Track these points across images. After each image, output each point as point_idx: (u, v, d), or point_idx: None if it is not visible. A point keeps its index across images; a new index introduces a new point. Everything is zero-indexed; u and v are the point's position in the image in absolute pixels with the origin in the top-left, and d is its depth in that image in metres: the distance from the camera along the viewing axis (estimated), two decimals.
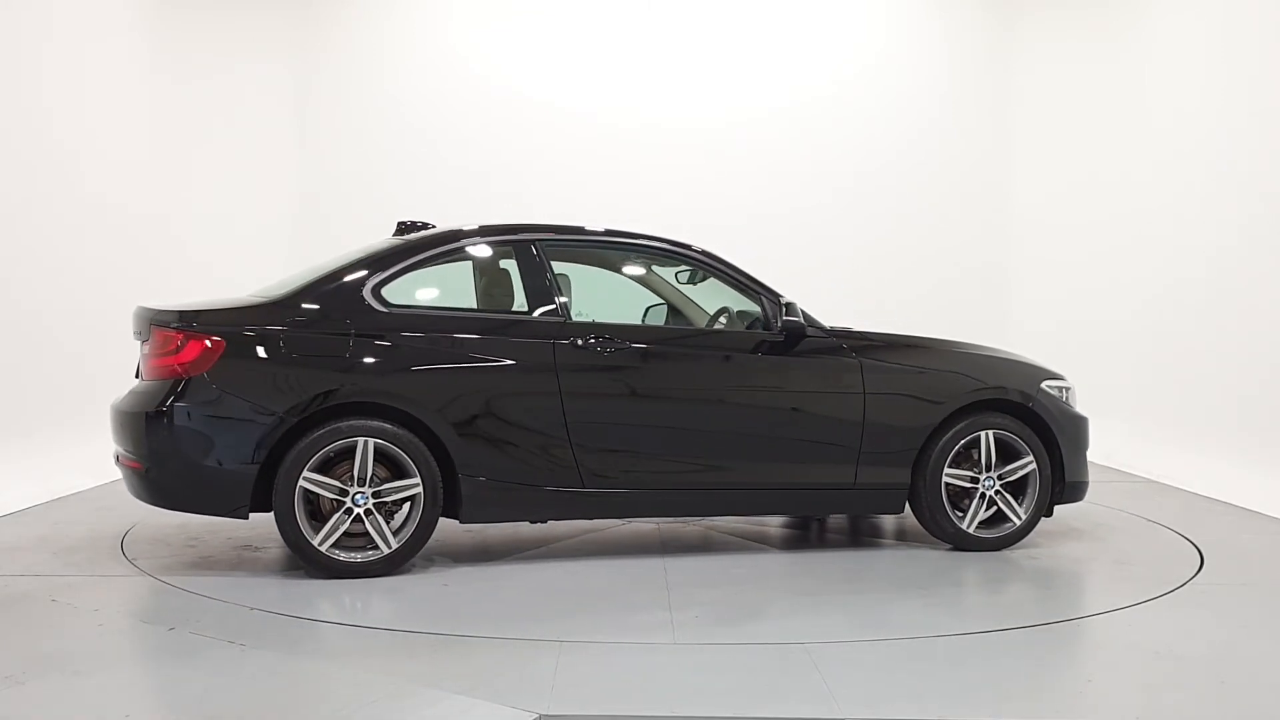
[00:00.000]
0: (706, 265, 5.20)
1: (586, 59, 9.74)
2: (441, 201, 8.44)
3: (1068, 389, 5.45)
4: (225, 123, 9.27)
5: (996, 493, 5.16)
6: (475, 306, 5.08)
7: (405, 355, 4.61)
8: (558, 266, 5.01)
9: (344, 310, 4.62)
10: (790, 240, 9.62)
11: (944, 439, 5.10)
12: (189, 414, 4.40)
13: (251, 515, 4.52)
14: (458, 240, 5.00)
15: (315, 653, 3.68)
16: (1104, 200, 9.15)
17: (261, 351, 4.49)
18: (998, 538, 5.18)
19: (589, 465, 4.75)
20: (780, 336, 5.03)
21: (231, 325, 4.52)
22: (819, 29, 9.87)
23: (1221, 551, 5.29)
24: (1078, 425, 5.36)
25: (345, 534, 4.50)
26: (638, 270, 5.58)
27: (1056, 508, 5.36)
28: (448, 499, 4.64)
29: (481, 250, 5.08)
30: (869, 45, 9.92)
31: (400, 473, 4.55)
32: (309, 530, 4.45)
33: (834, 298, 7.95)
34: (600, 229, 5.26)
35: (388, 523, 4.54)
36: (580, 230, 5.22)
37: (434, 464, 4.55)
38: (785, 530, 5.80)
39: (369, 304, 4.65)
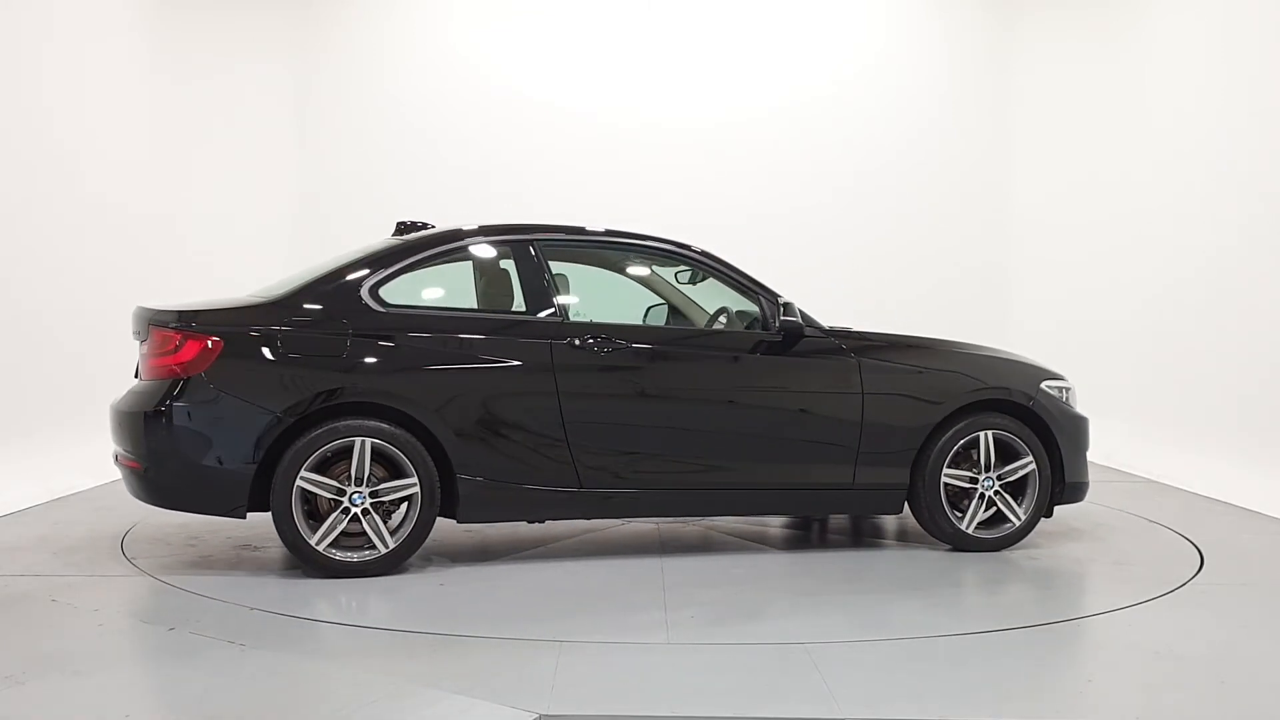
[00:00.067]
0: (705, 265, 5.19)
1: (586, 59, 9.74)
2: (441, 201, 8.44)
3: (1068, 389, 5.44)
4: (225, 123, 9.27)
5: (996, 493, 5.16)
6: (473, 307, 5.08)
7: (403, 355, 4.61)
8: (556, 266, 5.01)
9: (342, 310, 4.62)
10: (790, 240, 9.62)
11: (943, 439, 5.10)
12: (187, 414, 4.41)
13: (250, 515, 4.53)
14: (456, 240, 5.00)
15: (315, 653, 3.68)
16: (1104, 200, 9.15)
17: (259, 351, 4.49)
18: (997, 538, 5.18)
19: (586, 465, 4.75)
20: (778, 336, 5.03)
21: (229, 325, 4.53)
22: (819, 29, 9.87)
23: (1221, 551, 5.29)
24: (1078, 425, 5.36)
25: (343, 533, 4.51)
26: (637, 270, 5.58)
27: (1056, 508, 5.35)
28: (445, 499, 4.65)
29: (480, 250, 5.08)
30: (869, 45, 9.92)
31: (398, 472, 4.55)
32: (307, 530, 4.45)
33: (834, 298, 7.96)
34: (600, 229, 5.26)
35: (385, 522, 4.54)
36: (579, 230, 5.22)
37: (431, 464, 4.56)
38: (785, 530, 5.80)
39: (367, 304, 4.66)
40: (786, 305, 5.02)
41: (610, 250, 5.46)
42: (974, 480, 5.14)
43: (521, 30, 9.70)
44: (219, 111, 9.22)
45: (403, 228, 5.18)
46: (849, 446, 5.02)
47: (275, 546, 5.00)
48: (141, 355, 4.68)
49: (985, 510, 5.17)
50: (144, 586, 4.46)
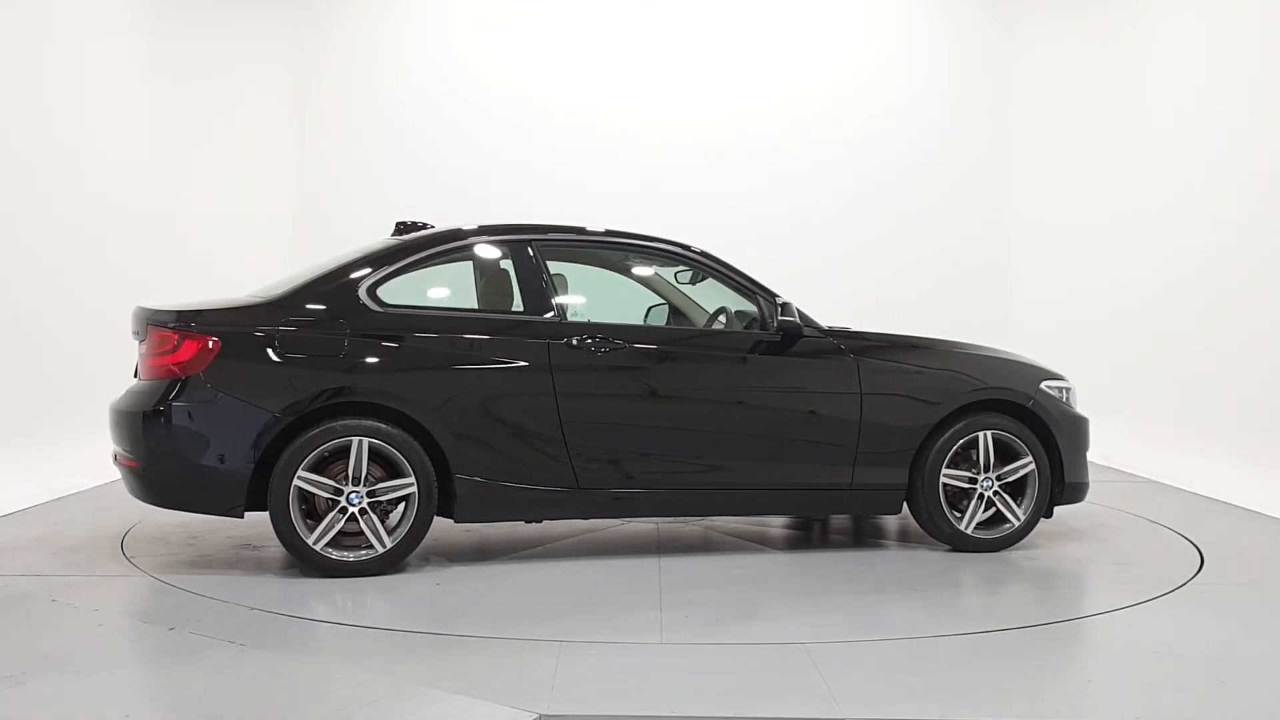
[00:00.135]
0: (703, 265, 5.19)
1: (586, 59, 9.74)
2: (441, 201, 8.44)
3: (1068, 389, 5.44)
4: (225, 123, 9.27)
5: (995, 493, 5.15)
6: (472, 307, 5.08)
7: (400, 355, 4.62)
8: (554, 267, 5.01)
9: (339, 310, 4.62)
10: (790, 240, 9.62)
11: (942, 439, 5.10)
12: (185, 413, 4.41)
13: (249, 514, 4.53)
14: (454, 240, 5.00)
15: (315, 653, 3.69)
16: (1104, 200, 9.15)
17: (257, 351, 4.49)
18: (996, 539, 5.17)
19: (583, 465, 4.75)
20: (777, 336, 5.03)
21: (227, 325, 4.53)
22: (819, 29, 9.87)
23: (1221, 551, 5.29)
24: (1077, 426, 5.35)
25: (341, 533, 4.51)
26: (637, 270, 5.58)
27: (1056, 509, 5.35)
28: (443, 498, 4.65)
29: (478, 250, 5.07)
30: (869, 45, 9.92)
31: (395, 472, 4.55)
32: (304, 529, 4.46)
33: (834, 298, 7.96)
34: (599, 229, 5.26)
35: (382, 522, 4.54)
36: (577, 230, 5.22)
37: (429, 463, 4.56)
38: (786, 531, 5.80)
39: (364, 304, 4.66)
40: (785, 305, 5.01)
41: (610, 250, 5.46)
42: (973, 480, 5.14)
43: (521, 30, 9.70)
44: (219, 111, 9.22)
45: (402, 228, 5.18)
46: (847, 447, 5.01)
47: (275, 546, 5.00)
48: (140, 355, 4.69)
49: (984, 511, 5.16)
50: (144, 586, 4.46)
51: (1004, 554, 5.17)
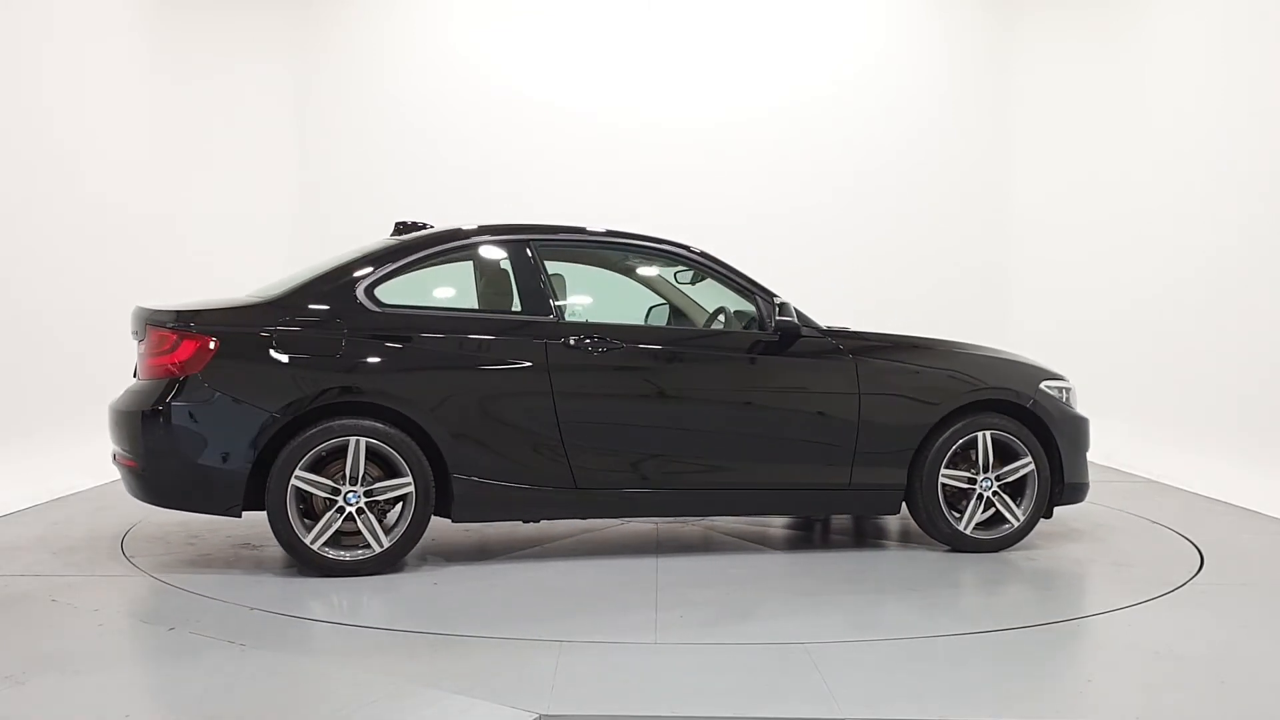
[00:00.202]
0: (702, 265, 5.19)
1: (586, 59, 9.74)
2: (441, 201, 8.45)
3: (1068, 389, 5.44)
4: (225, 123, 9.27)
5: (994, 494, 5.15)
6: (469, 307, 5.08)
7: (397, 355, 4.62)
8: (553, 267, 5.01)
9: (337, 310, 4.62)
10: (790, 240, 9.62)
11: (941, 439, 5.09)
12: (183, 413, 4.42)
13: (247, 514, 4.53)
14: (452, 241, 5.00)
15: (315, 652, 3.69)
16: (1104, 200, 9.15)
17: (255, 351, 4.50)
18: (995, 539, 5.17)
19: (581, 465, 4.75)
20: (774, 337, 5.02)
21: (226, 325, 4.54)
22: (819, 29, 9.87)
23: (1221, 551, 5.29)
24: (1077, 426, 5.34)
25: (339, 532, 4.52)
26: (636, 271, 5.58)
27: (1056, 509, 5.35)
28: (440, 498, 4.65)
29: (476, 251, 5.07)
30: (869, 45, 9.92)
31: (392, 472, 4.56)
32: (301, 529, 4.46)
33: (834, 298, 7.97)
34: (599, 229, 5.26)
35: (380, 522, 4.55)
36: (576, 230, 5.22)
37: (426, 463, 4.56)
38: (786, 531, 5.80)
39: (362, 304, 4.66)
40: (782, 305, 5.01)
41: (609, 250, 5.46)
42: (972, 481, 5.14)
43: (521, 30, 9.70)
44: (219, 111, 9.22)
45: (402, 228, 5.18)
46: (845, 447, 5.01)
47: (274, 545, 4.99)
48: (139, 355, 4.69)
49: (984, 511, 5.16)
50: (144, 586, 4.46)
51: (1003, 554, 5.17)
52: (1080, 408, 5.48)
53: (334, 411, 4.51)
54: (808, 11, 9.86)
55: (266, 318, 4.57)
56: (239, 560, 4.87)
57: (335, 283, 4.70)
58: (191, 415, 4.42)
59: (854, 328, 5.25)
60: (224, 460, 4.42)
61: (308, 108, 9.79)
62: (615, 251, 5.46)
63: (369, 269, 4.76)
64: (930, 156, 9.91)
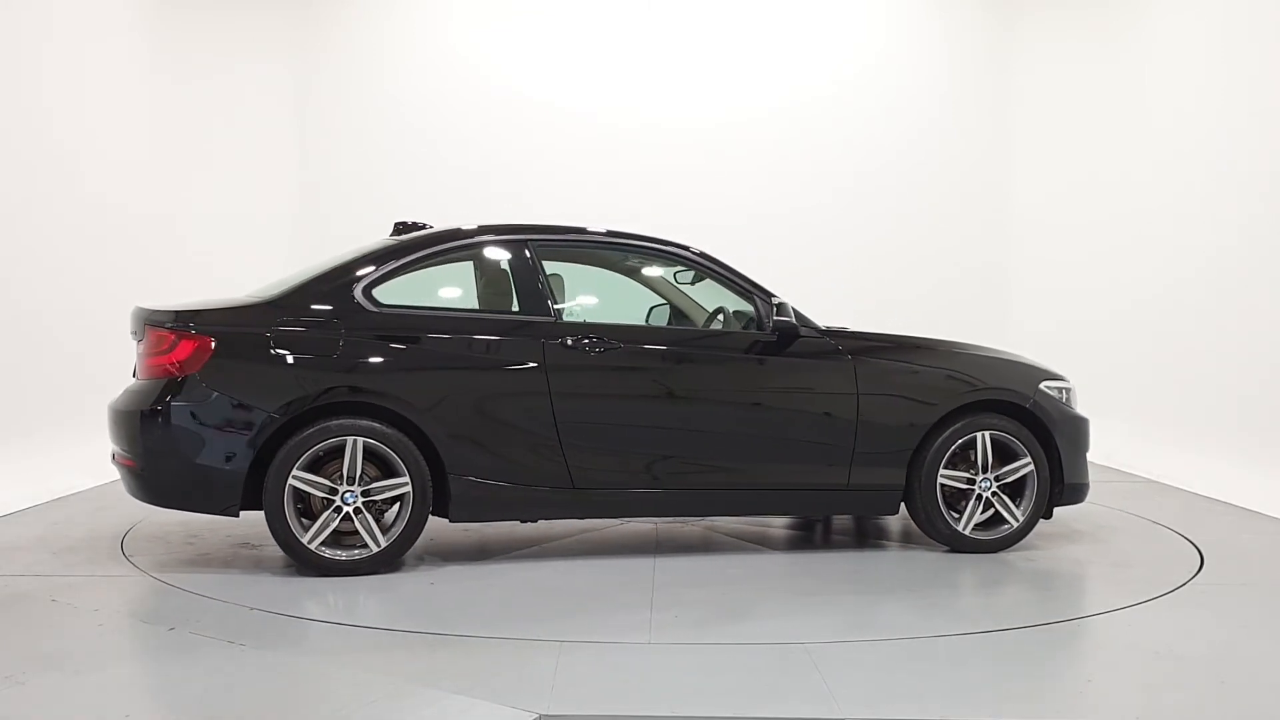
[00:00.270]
0: (701, 265, 5.19)
1: (586, 59, 9.74)
2: (441, 201, 8.45)
3: (1068, 390, 5.43)
4: (225, 123, 9.27)
5: (993, 494, 5.15)
6: (467, 307, 5.08)
7: (395, 355, 4.62)
8: (552, 267, 5.01)
9: (335, 310, 4.63)
10: (790, 240, 9.62)
11: (940, 440, 5.08)
12: (182, 413, 4.42)
13: (246, 513, 4.54)
14: (451, 241, 5.00)
15: (315, 652, 3.69)
16: (1104, 200, 9.15)
17: (253, 351, 4.50)
18: (994, 540, 5.16)
19: (578, 465, 4.75)
20: (773, 337, 5.02)
21: (224, 325, 4.55)
22: (819, 29, 9.87)
23: (1221, 551, 5.29)
24: (1077, 426, 5.34)
25: (336, 532, 4.52)
26: (635, 271, 5.58)
27: (1056, 509, 5.34)
28: (437, 497, 4.65)
29: (474, 251, 5.07)
30: (869, 45, 9.92)
31: (390, 471, 4.56)
32: (299, 528, 4.47)
33: (834, 298, 7.97)
34: (599, 229, 5.26)
35: (377, 521, 4.55)
36: (575, 231, 5.22)
37: (423, 463, 4.57)
38: (786, 531, 5.79)
39: (360, 304, 4.66)
40: (780, 305, 5.01)
41: (609, 251, 5.46)
42: (971, 481, 5.13)
43: (521, 30, 9.70)
44: (219, 111, 9.22)
45: (401, 228, 5.18)
46: (843, 447, 5.01)
47: (273, 545, 4.98)
48: (138, 355, 4.69)
49: (983, 512, 5.15)
50: (143, 586, 4.46)
51: (1003, 555, 5.16)
52: (1080, 408, 5.47)
53: (332, 411, 4.52)
54: (807, 12, 9.86)
55: (265, 318, 4.57)
56: (238, 560, 4.87)
57: (334, 283, 4.70)
58: (190, 415, 4.42)
59: (853, 328, 5.25)
60: (221, 460, 4.43)
61: (308, 108, 9.79)
62: (615, 252, 5.46)
63: (367, 269, 4.76)
64: (930, 156, 9.91)
